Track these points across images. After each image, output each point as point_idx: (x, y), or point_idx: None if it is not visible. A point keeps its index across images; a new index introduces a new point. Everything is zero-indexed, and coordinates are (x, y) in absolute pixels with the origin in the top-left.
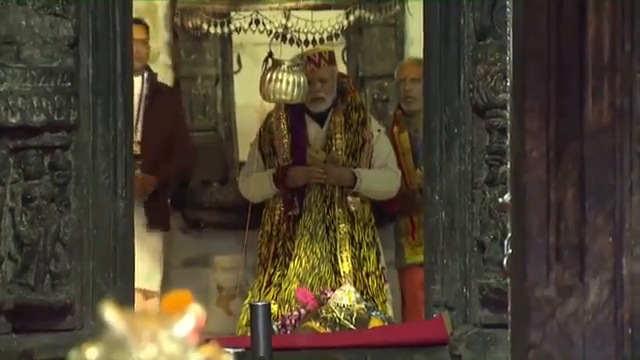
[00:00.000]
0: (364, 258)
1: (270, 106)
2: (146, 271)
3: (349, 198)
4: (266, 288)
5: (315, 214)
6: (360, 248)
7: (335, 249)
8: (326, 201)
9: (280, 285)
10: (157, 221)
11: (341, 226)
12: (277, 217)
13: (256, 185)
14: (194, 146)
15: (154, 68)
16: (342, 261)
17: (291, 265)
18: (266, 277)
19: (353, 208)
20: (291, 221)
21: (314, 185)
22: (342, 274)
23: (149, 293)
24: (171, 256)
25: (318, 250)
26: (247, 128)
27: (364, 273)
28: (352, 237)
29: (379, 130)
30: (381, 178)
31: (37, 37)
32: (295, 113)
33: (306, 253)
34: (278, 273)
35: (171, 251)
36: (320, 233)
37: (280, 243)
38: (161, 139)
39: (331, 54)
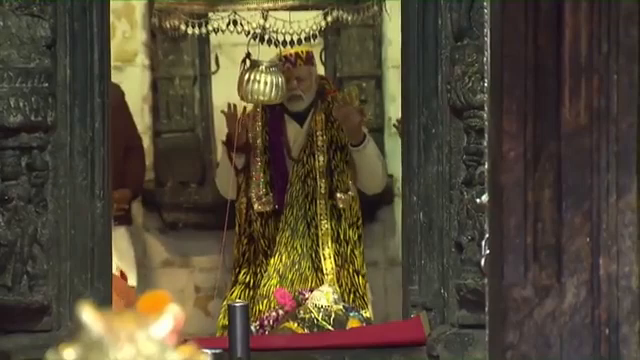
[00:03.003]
0: (351, 256)
1: (249, 107)
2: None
3: (338, 194)
4: (232, 287)
5: (297, 210)
6: (347, 245)
7: (317, 246)
8: (308, 197)
9: (247, 283)
10: (118, 216)
11: (323, 222)
12: (243, 218)
13: (220, 169)
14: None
15: (132, 69)
16: (324, 258)
17: (271, 261)
18: (232, 277)
19: (342, 205)
20: (264, 219)
21: (296, 180)
22: (324, 271)
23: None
24: (149, 257)
25: (299, 246)
26: (225, 129)
27: (351, 271)
28: (336, 234)
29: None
30: (378, 160)
31: (14, 37)
32: (274, 113)
33: (287, 249)
34: (243, 271)
35: (149, 252)
36: (301, 229)
37: (246, 241)
38: (117, 140)
39: (309, 54)
